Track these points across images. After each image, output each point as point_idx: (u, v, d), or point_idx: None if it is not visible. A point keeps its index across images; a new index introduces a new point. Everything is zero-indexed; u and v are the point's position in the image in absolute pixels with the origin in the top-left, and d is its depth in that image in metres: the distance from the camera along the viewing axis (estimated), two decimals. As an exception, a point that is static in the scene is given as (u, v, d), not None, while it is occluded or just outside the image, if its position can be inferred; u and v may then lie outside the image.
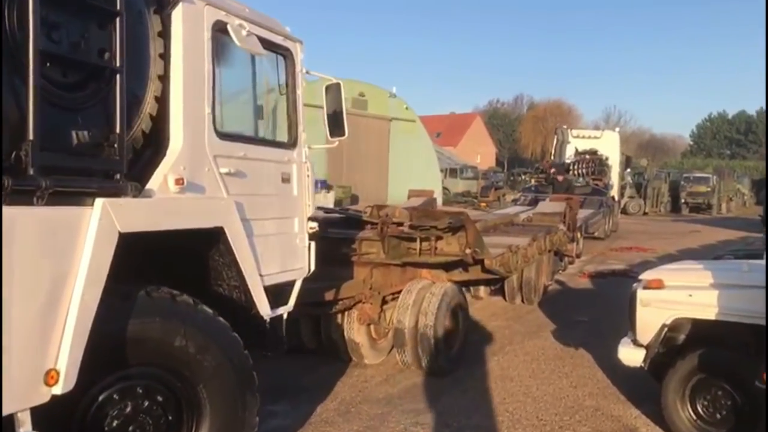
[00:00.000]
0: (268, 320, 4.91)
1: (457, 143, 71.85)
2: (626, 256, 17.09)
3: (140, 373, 3.82)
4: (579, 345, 8.07)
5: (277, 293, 5.17)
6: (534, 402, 6.28)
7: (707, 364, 5.02)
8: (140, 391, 3.80)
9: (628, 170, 30.25)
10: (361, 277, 7.26)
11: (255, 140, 5.02)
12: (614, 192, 23.49)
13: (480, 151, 71.89)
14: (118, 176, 3.60)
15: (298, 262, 5.34)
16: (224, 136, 4.49)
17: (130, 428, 3.74)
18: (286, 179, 5.22)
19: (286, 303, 5.26)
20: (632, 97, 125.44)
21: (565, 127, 25.57)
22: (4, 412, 2.98)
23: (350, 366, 7.17)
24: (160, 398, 3.89)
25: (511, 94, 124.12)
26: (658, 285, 5.38)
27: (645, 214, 35.87)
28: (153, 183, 3.91)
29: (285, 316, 5.26)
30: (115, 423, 3.66)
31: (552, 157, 24.45)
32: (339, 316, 7.17)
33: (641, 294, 5.41)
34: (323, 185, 26.24)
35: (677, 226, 28.06)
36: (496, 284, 10.28)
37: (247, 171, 4.68)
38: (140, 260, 4.09)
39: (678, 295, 5.21)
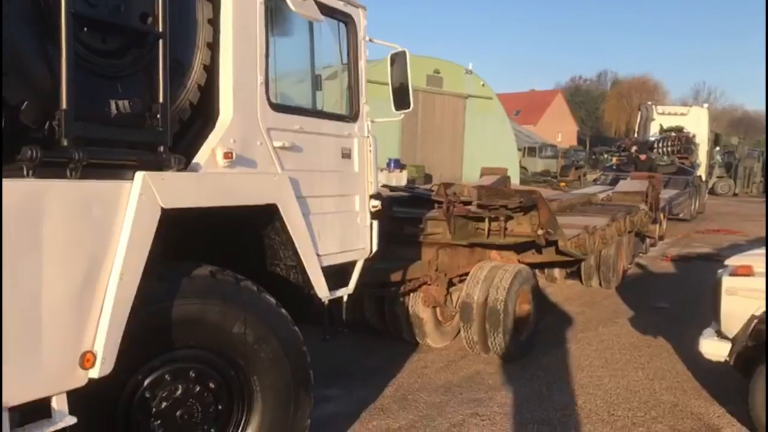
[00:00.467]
0: (326, 302, 4.69)
1: (536, 121, 70.30)
2: (713, 239, 16.18)
3: (194, 356, 3.69)
4: (657, 334, 7.57)
5: (337, 274, 4.96)
6: (605, 395, 5.86)
7: None
8: (192, 374, 3.66)
9: (717, 149, 28.67)
10: (427, 258, 6.99)
11: (312, 113, 4.74)
12: (701, 171, 22.27)
13: (561, 130, 70.07)
14: (161, 149, 3.40)
15: (360, 242, 5.08)
16: (278, 107, 4.26)
17: (178, 412, 3.60)
18: (346, 154, 4.95)
19: (346, 285, 5.03)
20: (723, 72, 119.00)
21: (650, 103, 24.37)
22: (38, 396, 2.85)
23: (411, 350, 6.94)
24: (212, 385, 3.75)
25: (594, 70, 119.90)
26: (746, 271, 4.87)
27: (735, 195, 34.23)
28: (200, 157, 3.70)
29: (345, 298, 5.02)
30: (163, 405, 3.54)
31: (636, 135, 23.35)
32: (404, 297, 6.92)
33: (727, 281, 4.92)
34: (396, 164, 25.96)
35: (770, 208, 26.41)
36: (572, 267, 9.81)
37: (304, 145, 4.43)
38: (193, 238, 3.97)
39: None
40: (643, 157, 19.42)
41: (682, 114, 22.97)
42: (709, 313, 5.31)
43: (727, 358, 4.91)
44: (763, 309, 4.65)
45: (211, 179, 3.69)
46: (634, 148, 20.58)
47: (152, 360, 3.50)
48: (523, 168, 37.93)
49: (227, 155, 3.76)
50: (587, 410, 5.51)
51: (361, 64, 5.11)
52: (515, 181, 32.69)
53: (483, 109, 32.13)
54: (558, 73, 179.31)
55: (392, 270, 6.74)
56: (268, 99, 4.15)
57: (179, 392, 3.59)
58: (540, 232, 6.72)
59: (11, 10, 2.77)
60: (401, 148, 28.65)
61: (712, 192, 32.97)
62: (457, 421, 5.23)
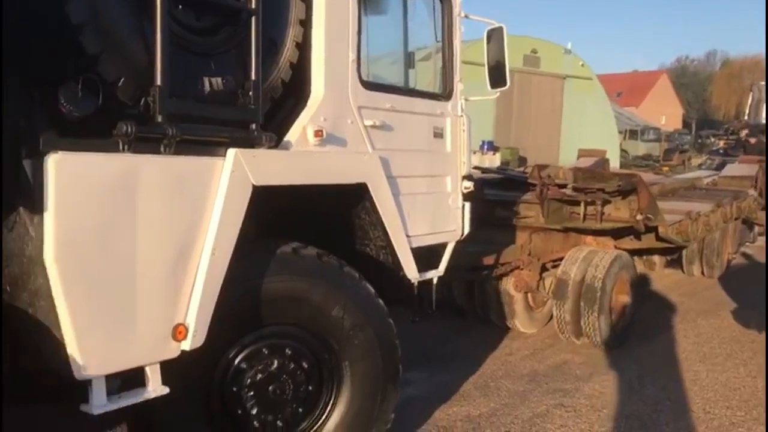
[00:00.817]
0: (416, 284, 4.64)
1: (639, 103, 67.68)
2: (831, 230, 15.00)
3: (292, 333, 3.75)
4: (763, 329, 7.06)
5: (427, 256, 4.90)
6: (702, 391, 5.53)
7: None
8: (288, 352, 3.72)
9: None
10: (520, 242, 6.82)
11: (404, 91, 4.67)
12: (820, 157, 20.71)
13: (665, 112, 67.15)
14: (253, 126, 3.41)
15: (451, 223, 5.00)
16: (370, 85, 4.22)
17: (271, 387, 3.64)
18: (438, 134, 4.86)
19: (436, 267, 4.95)
20: None
21: (762, 83, 22.82)
22: (132, 365, 2.94)
23: (497, 335, 6.80)
24: (305, 365, 3.79)
25: (701, 50, 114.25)
26: None
27: None
28: (291, 134, 3.72)
29: (435, 280, 4.95)
30: (258, 377, 3.60)
31: (746, 118, 21.97)
32: (495, 281, 6.79)
33: None
34: (489, 146, 25.64)
35: None
36: (673, 254, 9.35)
37: (395, 124, 4.38)
38: (287, 217, 4.01)
39: None
40: (753, 140, 18.23)
41: (799, 95, 21.42)
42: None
43: None
44: None
45: (301, 157, 3.69)
46: (744, 132, 19.38)
47: (253, 332, 3.58)
48: (623, 151, 36.70)
49: (318, 133, 3.75)
50: (681, 406, 5.22)
51: (456, 41, 4.99)
52: (615, 164, 31.66)
53: (582, 90, 31.17)
54: (663, 53, 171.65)
55: (484, 253, 6.62)
56: (360, 77, 4.12)
57: (274, 367, 3.65)
58: (639, 217, 6.42)
59: (108, -10, 2.82)
60: (495, 130, 28.24)
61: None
62: (541, 411, 5.08)
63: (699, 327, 7.35)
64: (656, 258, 9.88)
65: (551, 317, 6.92)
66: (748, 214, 10.65)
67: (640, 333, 6.99)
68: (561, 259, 6.82)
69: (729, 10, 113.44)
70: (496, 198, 7.02)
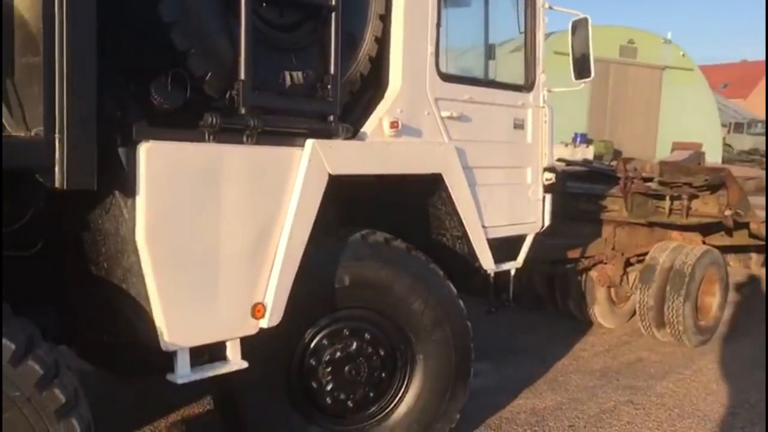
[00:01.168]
0: (492, 275, 4.69)
1: (747, 95, 64.09)
2: None
3: (373, 319, 3.91)
4: None
5: (507, 247, 4.94)
6: None
7: None
8: (368, 336, 3.88)
9: None
10: (604, 236, 6.75)
11: (483, 82, 4.72)
12: None
13: (775, 105, 63.39)
14: (331, 118, 3.56)
15: (530, 215, 5.01)
16: (448, 77, 4.29)
17: (347, 367, 3.81)
18: (519, 125, 4.88)
19: (515, 258, 4.98)
20: None
21: None
22: (214, 339, 3.15)
23: (572, 330, 6.74)
24: (382, 351, 3.94)
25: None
26: None
27: None
28: (368, 126, 3.84)
29: (513, 272, 4.98)
30: (337, 355, 3.78)
31: None
32: (577, 274, 6.74)
33: None
34: (582, 139, 25.06)
35: None
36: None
37: (473, 115, 4.43)
38: (366, 206, 4.18)
39: None
40: None
41: None
42: None
43: None
44: None
45: (377, 147, 3.82)
46: None
47: (335, 312, 3.77)
48: (728, 145, 35.05)
49: (393, 125, 3.87)
50: (759, 412, 5.00)
51: (539, 32, 4.99)
52: (716, 159, 30.34)
53: (682, 82, 29.93)
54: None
55: (566, 246, 6.61)
56: (438, 69, 4.20)
57: (353, 348, 3.82)
58: (728, 213, 6.24)
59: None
60: (589, 123, 27.59)
61: None
62: (608, 407, 5.01)
63: None
64: (753, 255, 9.47)
65: (633, 314, 6.81)
66: None
67: (725, 334, 6.78)
68: (646, 254, 6.69)
69: None
70: (581, 191, 6.97)
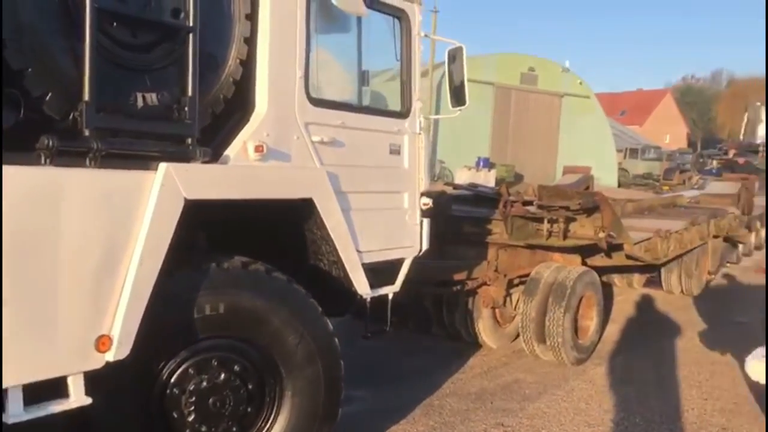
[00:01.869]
0: (368, 299, 4.67)
1: (643, 122, 67.76)
2: (820, 252, 14.94)
3: (244, 350, 3.80)
4: (727, 350, 7.01)
5: (386, 272, 4.95)
6: (648, 412, 5.45)
7: None
8: (237, 368, 3.77)
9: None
10: (487, 258, 6.86)
11: (357, 108, 4.74)
12: (814, 179, 20.69)
13: (669, 131, 67.23)
14: (189, 141, 3.48)
15: (407, 239, 5.04)
16: (319, 102, 4.28)
17: (212, 399, 3.70)
18: (395, 151, 4.93)
19: (392, 282, 4.98)
20: None
21: (758, 104, 22.91)
22: (51, 375, 2.98)
23: (454, 353, 6.76)
24: (250, 385, 3.82)
25: (708, 69, 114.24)
26: None
27: None
28: (231, 149, 3.78)
29: (390, 296, 4.98)
30: (202, 385, 3.64)
31: (741, 138, 22.03)
32: (463, 296, 6.83)
33: None
34: (485, 163, 25.74)
35: None
36: (652, 272, 9.37)
37: (347, 140, 4.44)
38: (241, 233, 4.11)
39: None
40: (741, 161, 18.33)
41: (795, 116, 21.49)
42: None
43: None
44: None
45: (239, 171, 3.75)
46: (732, 152, 19.51)
47: (205, 342, 3.63)
48: (623, 170, 36.77)
49: (258, 148, 3.81)
50: (622, 428, 5.18)
51: (415, 60, 5.08)
52: (612, 182, 31.77)
53: (580, 109, 31.33)
54: (668, 72, 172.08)
55: (452, 269, 6.69)
56: (308, 93, 4.18)
57: (220, 379, 3.69)
58: (601, 235, 6.46)
59: (37, 4, 2.90)
60: (492, 147, 28.42)
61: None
62: (479, 430, 5.04)
63: (663, 348, 7.29)
64: (636, 276, 9.93)
65: (518, 335, 6.96)
66: (729, 232, 10.66)
67: (600, 353, 6.97)
68: (528, 275, 6.87)
69: (736, 31, 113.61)
70: (465, 214, 7.08)
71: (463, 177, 23.99)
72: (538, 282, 6.61)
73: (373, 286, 4.66)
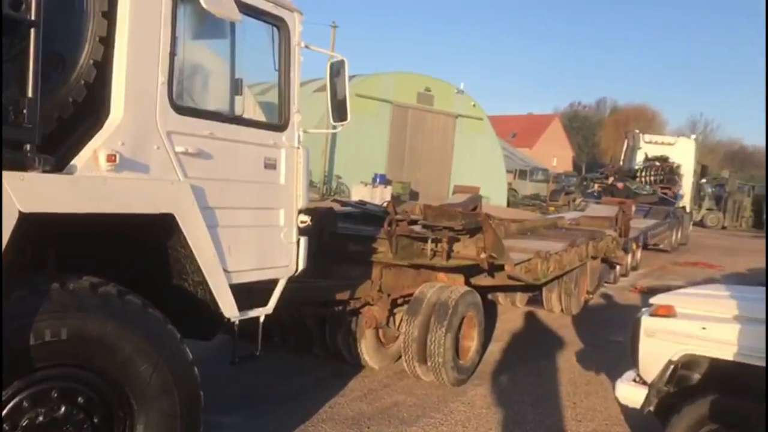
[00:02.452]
0: (237, 322, 4.38)
1: (532, 145, 70.38)
2: (689, 272, 15.87)
3: (89, 380, 3.45)
4: (602, 370, 7.14)
5: (260, 292, 4.69)
6: None
7: (719, 414, 4.06)
8: (81, 400, 3.41)
9: (704, 180, 28.50)
10: (371, 277, 6.71)
11: (228, 118, 4.42)
12: (686, 203, 22.03)
13: (557, 155, 70.19)
14: (27, 147, 3.11)
15: (282, 259, 4.78)
16: (184, 110, 3.99)
17: None
18: (270, 165, 4.66)
19: (265, 304, 4.71)
20: (723, 105, 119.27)
21: (637, 131, 24.14)
22: None
23: (335, 375, 6.55)
24: (96, 419, 3.47)
25: (594, 96, 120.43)
26: (667, 312, 4.47)
27: (724, 228, 34.25)
28: (80, 158, 3.43)
29: (262, 318, 4.70)
30: (38, 420, 3.26)
31: (621, 163, 23.14)
32: (346, 316, 6.65)
33: (646, 321, 4.52)
34: (381, 179, 25.83)
35: (756, 243, 26.24)
36: (534, 291, 9.54)
37: (215, 152, 4.16)
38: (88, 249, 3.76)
39: (690, 327, 4.30)
40: (620, 185, 19.23)
41: (669, 144, 22.71)
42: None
43: (643, 405, 4.44)
44: (682, 353, 4.29)
45: (86, 183, 3.40)
46: (611, 177, 20.49)
47: (43, 371, 3.26)
48: (513, 190, 37.97)
49: (111, 158, 3.49)
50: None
51: (294, 71, 4.85)
52: (502, 202, 32.67)
53: (473, 130, 32.11)
54: (558, 98, 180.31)
55: (335, 289, 6.48)
56: (172, 100, 3.89)
57: (60, 412, 3.32)
58: (483, 255, 6.46)
59: None
60: (388, 164, 28.57)
61: (701, 224, 33.02)
62: None
63: (541, 368, 7.32)
64: (518, 295, 10.09)
65: (401, 356, 6.85)
66: (607, 253, 11.04)
67: (482, 373, 6.95)
68: (412, 294, 6.78)
69: (619, 60, 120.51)
70: (351, 232, 6.92)
71: (359, 193, 23.99)
72: (421, 302, 6.52)
73: (243, 308, 4.40)
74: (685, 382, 4.35)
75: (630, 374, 4.74)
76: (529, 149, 66.80)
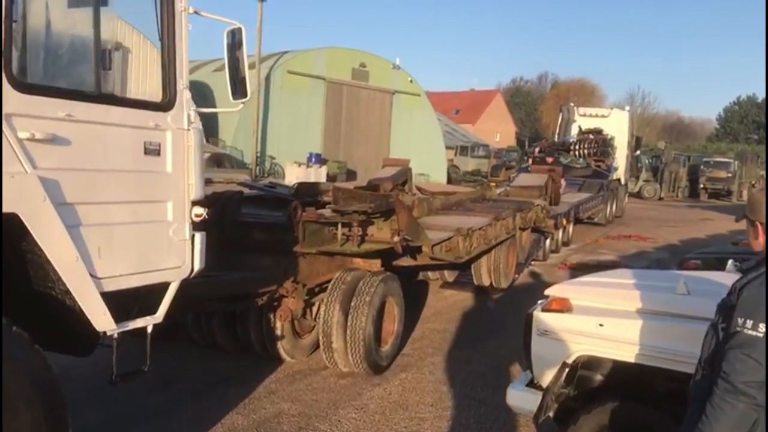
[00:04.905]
0: (115, 335, 3.88)
1: (475, 121, 70.54)
2: (622, 246, 15.86)
3: None
4: (518, 360, 6.47)
5: (148, 297, 4.20)
6: None
7: (617, 422, 3.64)
8: None
9: (638, 152, 28.84)
10: (282, 267, 6.26)
11: (92, 97, 3.81)
12: (620, 175, 22.17)
13: (499, 130, 70.56)
14: None
15: (173, 259, 4.22)
16: (29, 88, 3.43)
17: None
18: (152, 150, 4.06)
19: (153, 312, 4.21)
20: (660, 78, 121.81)
21: (571, 104, 24.13)
22: None
23: (224, 380, 5.99)
24: None
25: (535, 72, 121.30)
26: (561, 306, 3.99)
27: (661, 199, 34.83)
28: None
29: (150, 329, 4.19)
30: None
31: (556, 137, 23.11)
32: (258, 310, 6.21)
33: (538, 318, 4.02)
34: (317, 159, 25.29)
35: (691, 213, 26.70)
36: (462, 268, 9.25)
37: (75, 138, 3.60)
38: None
39: (585, 323, 3.81)
40: (550, 159, 19.10)
41: (603, 116, 22.75)
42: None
43: (536, 413, 3.90)
44: (577, 355, 3.85)
45: None
46: (536, 150, 20.47)
47: None
48: (455, 167, 37.89)
49: (-76, 149, 2.96)
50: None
51: (181, 40, 4.23)
52: (442, 179, 32.52)
53: (410, 106, 31.80)
54: (500, 74, 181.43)
55: (244, 282, 6.02)
56: (12, 76, 3.33)
57: None
58: (396, 239, 6.10)
59: None
60: (324, 143, 28.05)
61: (638, 196, 33.48)
62: None
63: (452, 359, 6.83)
64: (446, 272, 9.81)
65: (317, 346, 6.49)
66: (536, 223, 10.87)
67: (387, 372, 6.47)
68: (329, 281, 6.40)
69: (559, 34, 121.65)
70: (255, 219, 6.46)
71: (293, 174, 23.41)
72: (337, 290, 6.18)
73: (124, 318, 3.90)
74: (586, 385, 3.94)
75: (524, 377, 4.26)
76: (472, 125, 66.92)
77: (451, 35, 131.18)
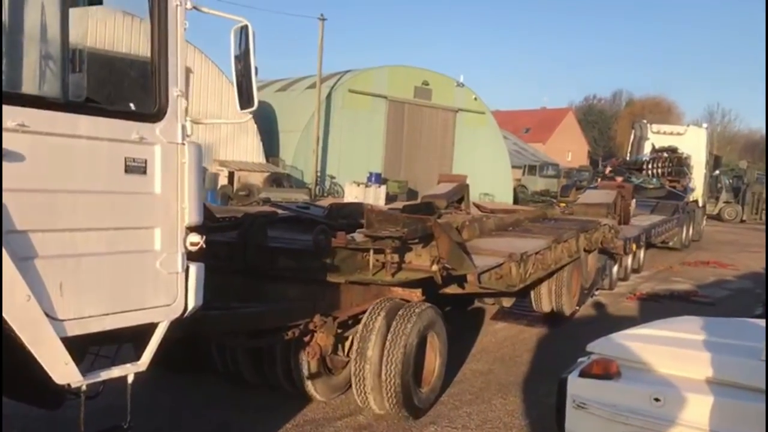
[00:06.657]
0: (83, 387, 3.29)
1: (546, 140, 69.25)
2: (698, 273, 14.53)
3: None
4: None
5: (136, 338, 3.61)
6: None
7: None
8: None
9: (717, 172, 27.13)
10: (311, 298, 5.57)
11: (57, 105, 3.24)
12: (698, 196, 20.69)
13: (571, 149, 69.02)
14: None
15: (161, 295, 3.61)
16: (-18, 94, 2.88)
17: None
18: (135, 168, 3.46)
19: (136, 359, 3.63)
20: (742, 95, 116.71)
21: (644, 121, 22.84)
22: None
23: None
24: None
25: (609, 90, 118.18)
26: (605, 370, 3.11)
27: (742, 221, 32.93)
28: None
29: (131, 378, 3.60)
30: None
31: (628, 155, 21.83)
32: (285, 345, 5.54)
33: (575, 384, 3.18)
34: (377, 178, 24.78)
35: (774, 237, 24.78)
36: (517, 295, 8.33)
37: (29, 152, 3.03)
38: None
39: (636, 396, 2.93)
40: (619, 179, 17.86)
41: (678, 134, 21.36)
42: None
43: None
44: None
45: None
46: (608, 169, 19.27)
47: None
48: (522, 187, 36.92)
49: None
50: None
51: (176, 40, 3.64)
52: (508, 199, 31.46)
53: (475, 124, 31.01)
54: (572, 92, 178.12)
55: (268, 315, 5.35)
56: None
57: None
58: (435, 267, 5.33)
59: None
60: (384, 162, 27.57)
61: (718, 218, 31.69)
62: None
63: (492, 408, 5.95)
64: (504, 298, 8.91)
65: (350, 384, 5.77)
66: (604, 243, 9.87)
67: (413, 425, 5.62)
68: (363, 312, 5.67)
69: (635, 51, 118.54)
70: (282, 244, 5.80)
71: (352, 193, 22.94)
72: (372, 323, 5.46)
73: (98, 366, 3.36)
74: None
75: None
76: (542, 144, 65.65)
77: (520, 53, 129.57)
